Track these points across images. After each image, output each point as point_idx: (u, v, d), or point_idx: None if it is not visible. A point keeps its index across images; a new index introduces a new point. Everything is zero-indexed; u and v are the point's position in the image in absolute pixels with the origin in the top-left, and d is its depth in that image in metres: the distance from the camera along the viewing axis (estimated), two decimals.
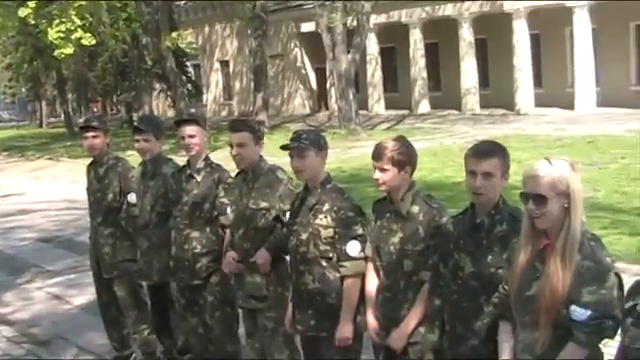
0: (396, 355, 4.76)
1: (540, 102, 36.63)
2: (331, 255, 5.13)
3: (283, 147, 5.30)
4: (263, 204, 5.73)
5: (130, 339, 7.55)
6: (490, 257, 4.15)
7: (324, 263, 5.15)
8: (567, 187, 3.65)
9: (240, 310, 6.28)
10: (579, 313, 3.60)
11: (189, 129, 6.42)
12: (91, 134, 7.20)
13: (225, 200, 6.27)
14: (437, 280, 4.45)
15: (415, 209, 4.72)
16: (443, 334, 4.42)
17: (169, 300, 6.94)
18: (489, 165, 4.13)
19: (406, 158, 4.74)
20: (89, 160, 7.57)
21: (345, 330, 5.08)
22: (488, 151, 4.19)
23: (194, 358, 7.00)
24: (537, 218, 3.70)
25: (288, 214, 5.55)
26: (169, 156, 7.37)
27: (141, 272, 7.01)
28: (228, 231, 6.20)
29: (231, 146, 5.87)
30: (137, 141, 6.85)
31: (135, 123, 7.69)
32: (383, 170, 4.71)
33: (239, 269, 5.93)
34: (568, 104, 34.96)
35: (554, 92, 36.58)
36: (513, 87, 37.18)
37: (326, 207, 5.14)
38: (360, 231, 5.06)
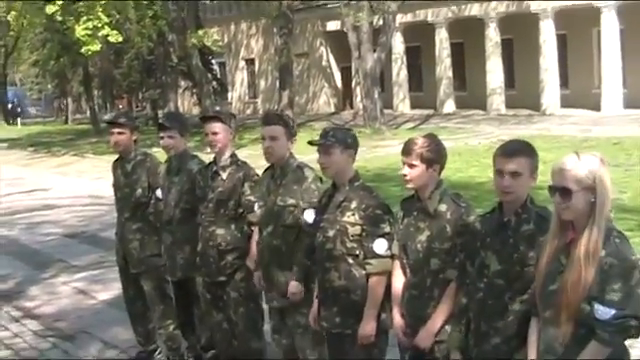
0: (423, 354, 4.77)
1: (566, 103, 36.46)
2: (357, 252, 5.12)
3: (310, 143, 5.32)
4: (290, 201, 5.72)
5: (155, 334, 7.58)
6: (516, 255, 4.14)
7: (350, 260, 5.14)
8: (594, 182, 3.65)
9: (266, 307, 6.28)
10: (603, 312, 3.58)
11: (213, 126, 6.44)
12: (117, 130, 7.24)
13: (252, 198, 6.27)
14: (464, 278, 4.45)
15: (443, 207, 4.72)
16: (468, 332, 4.42)
17: (192, 296, 6.96)
18: (517, 164, 4.12)
19: (435, 156, 4.74)
20: (114, 157, 7.61)
21: (368, 328, 5.08)
22: (516, 150, 4.18)
23: (218, 354, 7.04)
24: (562, 210, 3.71)
25: (308, 213, 5.55)
26: (194, 153, 7.39)
27: (165, 268, 7.04)
28: (256, 229, 6.21)
29: (263, 139, 5.84)
30: (162, 138, 6.87)
31: (160, 120, 7.72)
32: (411, 166, 4.71)
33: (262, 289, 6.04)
34: (594, 105, 34.78)
35: (580, 93, 36.40)
36: (539, 88, 37.04)
37: (354, 204, 5.14)
38: (387, 229, 5.06)
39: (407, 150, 4.74)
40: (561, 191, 3.69)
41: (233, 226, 6.43)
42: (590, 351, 3.65)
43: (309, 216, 5.54)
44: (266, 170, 6.05)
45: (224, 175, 6.44)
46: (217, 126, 6.44)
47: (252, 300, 6.42)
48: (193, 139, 27.19)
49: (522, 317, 4.10)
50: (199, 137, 27.93)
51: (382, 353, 5.27)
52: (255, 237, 6.21)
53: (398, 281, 4.97)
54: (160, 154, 7.36)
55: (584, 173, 3.66)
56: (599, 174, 3.66)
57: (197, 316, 7.02)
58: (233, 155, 6.52)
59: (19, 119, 61.97)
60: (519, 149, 4.20)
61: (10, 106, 64.87)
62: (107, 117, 8.14)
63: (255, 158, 8.81)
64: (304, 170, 5.80)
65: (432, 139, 4.82)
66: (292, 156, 5.90)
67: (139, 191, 7.22)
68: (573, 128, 29.08)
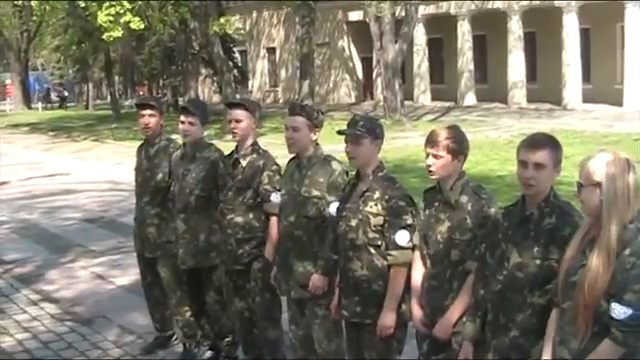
0: (441, 345, 4.76)
1: (588, 98, 36.28)
2: (379, 243, 5.11)
3: (340, 132, 5.30)
4: (315, 192, 5.68)
5: (172, 320, 7.60)
6: (536, 249, 4.12)
7: (372, 250, 5.13)
8: (601, 179, 3.65)
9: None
10: (619, 311, 3.56)
11: (237, 113, 6.42)
12: (148, 112, 7.22)
13: (269, 187, 6.26)
14: (483, 270, 4.43)
15: (464, 199, 4.71)
16: (484, 324, 4.40)
17: (205, 284, 6.97)
18: (541, 156, 4.11)
19: (460, 147, 4.75)
20: (134, 143, 7.61)
21: (387, 318, 5.07)
22: (541, 142, 4.17)
23: (233, 342, 7.05)
24: (582, 205, 3.75)
25: (333, 206, 5.54)
26: (212, 141, 7.38)
27: (177, 256, 7.01)
28: (273, 219, 6.21)
29: (286, 128, 5.82)
30: (182, 122, 6.84)
31: (183, 104, 7.71)
32: (437, 157, 4.71)
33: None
34: (616, 101, 34.61)
35: (602, 88, 36.20)
36: (561, 82, 36.87)
37: (377, 195, 5.12)
38: (410, 221, 5.04)
39: (432, 141, 4.74)
40: (577, 185, 3.75)
41: (251, 215, 6.41)
42: (603, 349, 3.63)
43: (334, 209, 5.52)
44: (292, 159, 6.02)
45: (244, 163, 6.42)
46: (241, 113, 6.42)
47: (269, 291, 6.40)
48: (213, 127, 27.32)
49: (541, 311, 4.08)
50: (218, 125, 28.11)
51: (401, 344, 5.26)
52: (273, 228, 6.20)
53: (417, 272, 4.96)
54: (180, 140, 7.36)
55: (592, 169, 3.69)
56: (609, 172, 3.65)
57: (209, 304, 7.03)
58: (255, 144, 6.50)
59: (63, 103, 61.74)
60: (544, 141, 4.18)
61: (55, 93, 65.08)
62: (137, 100, 8.10)
63: (275, 147, 8.81)
64: (332, 163, 5.76)
65: (457, 130, 4.82)
66: (318, 147, 5.86)
67: (160, 176, 7.21)
68: (594, 123, 28.94)
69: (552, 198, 4.18)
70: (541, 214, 4.17)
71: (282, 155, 6.20)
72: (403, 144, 24.23)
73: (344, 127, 5.30)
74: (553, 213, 4.15)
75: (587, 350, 3.68)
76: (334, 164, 5.75)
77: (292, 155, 5.97)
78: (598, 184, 3.66)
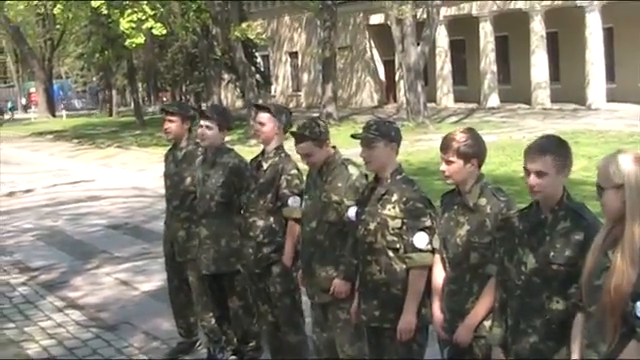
0: (462, 349, 4.73)
1: (612, 97, 36.06)
2: (398, 246, 5.08)
3: (354, 136, 5.29)
4: (335, 197, 5.67)
5: (197, 326, 7.60)
6: (552, 254, 4.08)
7: (391, 254, 5.11)
8: (623, 180, 3.59)
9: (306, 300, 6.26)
10: None
11: (261, 116, 6.48)
12: (168, 118, 7.29)
13: (287, 191, 6.26)
14: (503, 274, 4.40)
15: (482, 201, 4.68)
16: (507, 329, 4.37)
17: (227, 290, 6.99)
18: (541, 164, 4.07)
19: (472, 150, 4.70)
20: (158, 149, 7.68)
21: (407, 322, 5.04)
22: (541, 149, 4.11)
23: (257, 347, 7.04)
24: (603, 207, 3.69)
25: (352, 211, 5.51)
26: (235, 146, 7.39)
27: (199, 261, 7.01)
28: (291, 223, 6.21)
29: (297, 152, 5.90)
30: (200, 127, 6.88)
31: (202, 108, 7.77)
32: (449, 162, 4.69)
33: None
34: None
35: (627, 87, 35.99)
36: (585, 82, 36.68)
37: (395, 198, 5.10)
38: (428, 223, 5.02)
39: (444, 146, 4.73)
40: (597, 187, 3.69)
41: (272, 218, 6.41)
42: (630, 350, 3.58)
43: (353, 213, 5.50)
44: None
45: (266, 166, 6.43)
46: (265, 117, 6.44)
47: (288, 295, 6.40)
48: (236, 132, 27.36)
49: (560, 317, 4.05)
50: (242, 130, 28.17)
51: (422, 348, 5.23)
52: (291, 233, 6.20)
53: (439, 276, 4.93)
54: None
55: (613, 171, 3.61)
56: (630, 173, 3.60)
57: (232, 309, 7.03)
58: (279, 147, 6.48)
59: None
60: (544, 148, 4.13)
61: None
62: (161, 105, 8.27)
63: None
64: (349, 167, 5.75)
65: (470, 133, 4.78)
66: (337, 152, 5.87)
67: (188, 180, 7.22)
68: (619, 123, 28.75)
69: (566, 201, 4.15)
70: (555, 218, 4.13)
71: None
72: (427, 146, 24.16)
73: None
74: (567, 217, 4.10)
75: (616, 352, 3.63)
76: (351, 168, 5.75)
77: None
78: (620, 186, 3.60)
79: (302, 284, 6.13)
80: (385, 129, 5.25)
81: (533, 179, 4.08)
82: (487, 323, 4.58)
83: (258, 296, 6.64)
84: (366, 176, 5.69)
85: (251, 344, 7.06)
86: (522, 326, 4.21)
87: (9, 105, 71.16)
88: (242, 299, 6.91)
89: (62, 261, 12.07)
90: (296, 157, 6.21)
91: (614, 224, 3.70)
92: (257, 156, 6.63)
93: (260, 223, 6.43)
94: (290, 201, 6.18)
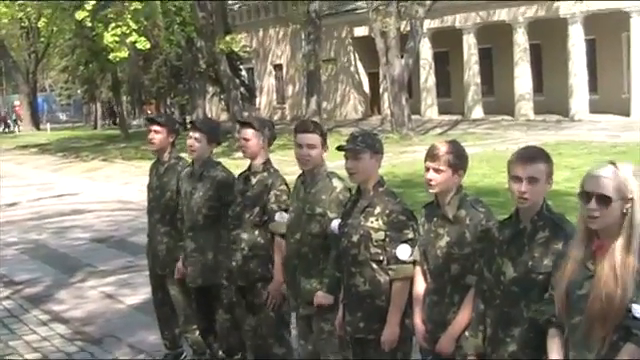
0: (444, 359, 4.76)
1: (595, 108, 36.27)
2: (382, 258, 5.11)
3: (339, 148, 5.31)
4: (318, 210, 5.69)
5: (181, 338, 7.61)
6: (531, 263, 4.13)
7: (375, 266, 5.14)
8: (631, 192, 3.62)
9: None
10: None
11: (244, 132, 6.47)
12: (154, 128, 7.29)
13: (274, 206, 6.26)
14: (482, 284, 4.44)
15: (462, 213, 4.72)
16: (485, 338, 4.40)
17: (213, 303, 6.99)
18: (534, 170, 4.12)
19: (461, 162, 4.77)
20: (142, 162, 7.69)
21: (391, 333, 5.07)
22: (533, 156, 4.18)
23: (243, 359, 7.04)
24: (594, 218, 3.65)
25: (335, 223, 5.53)
26: (220, 159, 7.40)
27: (186, 274, 7.03)
28: (277, 239, 6.21)
29: (299, 146, 5.78)
30: (189, 138, 6.89)
31: (192, 120, 7.80)
32: (438, 171, 4.72)
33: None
34: (623, 110, 34.60)
35: (609, 98, 36.21)
36: (568, 93, 36.89)
37: (378, 210, 5.13)
38: (411, 235, 5.05)
39: (433, 155, 4.76)
40: (599, 198, 3.62)
41: (257, 233, 6.42)
42: (625, 353, 3.57)
43: (336, 226, 5.52)
44: (299, 176, 6.02)
45: (254, 180, 6.44)
46: (249, 133, 6.44)
47: (273, 309, 6.41)
48: (222, 144, 27.32)
49: (538, 326, 4.06)
50: (226, 142, 28.12)
51: (406, 358, 5.26)
52: (278, 250, 6.21)
53: (419, 286, 4.97)
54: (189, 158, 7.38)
55: (623, 183, 3.62)
56: (635, 185, 3.63)
57: (218, 322, 7.03)
58: (267, 162, 6.49)
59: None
60: (536, 155, 4.20)
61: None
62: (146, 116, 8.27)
63: (285, 164, 8.82)
64: (332, 180, 5.76)
65: (458, 145, 4.85)
66: (323, 164, 5.88)
67: (168, 194, 7.25)
68: (602, 134, 28.92)
69: (545, 211, 4.19)
70: (534, 228, 4.18)
71: (292, 172, 6.20)
72: (411, 158, 24.20)
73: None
74: (546, 227, 4.15)
75: (608, 359, 3.63)
76: (335, 181, 5.75)
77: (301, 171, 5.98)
78: (626, 198, 3.60)
79: (285, 296, 6.14)
80: (371, 141, 5.28)
81: (525, 186, 4.10)
82: (467, 333, 4.61)
83: (243, 308, 6.65)
84: (350, 190, 5.71)
85: (236, 357, 7.07)
86: (501, 335, 4.25)
87: (13, 117, 69.82)
88: (228, 312, 6.91)
89: (47, 275, 12.04)
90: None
91: (590, 237, 3.72)
92: (244, 171, 6.64)
93: (244, 236, 6.44)
94: (277, 216, 6.19)
